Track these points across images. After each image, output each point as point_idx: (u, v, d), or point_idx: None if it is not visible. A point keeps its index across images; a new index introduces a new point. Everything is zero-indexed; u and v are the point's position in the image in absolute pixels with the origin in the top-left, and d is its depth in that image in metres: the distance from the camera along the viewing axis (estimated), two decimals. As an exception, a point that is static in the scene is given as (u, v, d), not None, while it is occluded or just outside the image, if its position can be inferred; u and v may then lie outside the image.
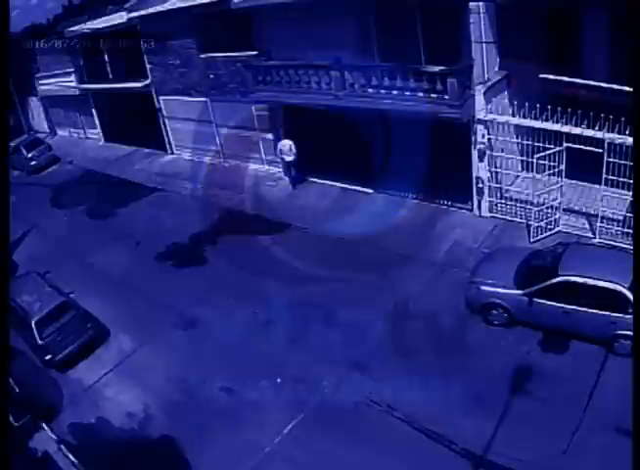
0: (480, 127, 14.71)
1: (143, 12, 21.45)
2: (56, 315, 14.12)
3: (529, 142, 14.19)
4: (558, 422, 10.14)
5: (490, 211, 15.79)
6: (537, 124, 13.77)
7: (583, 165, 13.65)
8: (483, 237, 15.17)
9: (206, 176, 22.09)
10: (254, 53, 18.41)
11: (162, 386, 12.98)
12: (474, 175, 15.47)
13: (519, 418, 10.40)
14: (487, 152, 14.96)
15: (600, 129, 12.81)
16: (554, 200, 14.27)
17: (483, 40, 14.18)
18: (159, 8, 20.91)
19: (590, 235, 14.11)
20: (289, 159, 19.15)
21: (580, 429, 9.97)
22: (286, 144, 19.05)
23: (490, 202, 15.67)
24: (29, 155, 27.79)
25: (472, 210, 16.13)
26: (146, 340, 14.44)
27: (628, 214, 13.20)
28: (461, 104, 13.95)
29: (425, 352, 12.06)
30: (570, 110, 13.16)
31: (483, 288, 12.43)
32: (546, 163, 13.84)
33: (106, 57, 26.00)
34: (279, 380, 12.33)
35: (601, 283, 10.95)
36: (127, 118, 27.01)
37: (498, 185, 15.49)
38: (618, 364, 10.80)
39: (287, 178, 20.34)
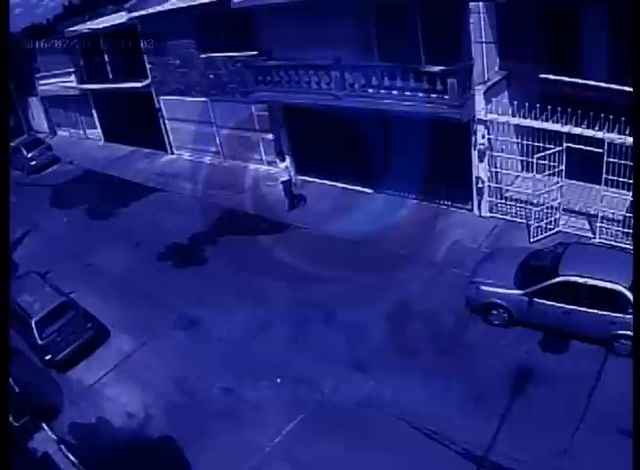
0: (480, 127, 14.71)
1: (143, 12, 21.47)
2: (56, 315, 14.11)
3: (529, 142, 14.18)
4: (558, 422, 10.13)
5: (490, 211, 15.79)
6: (537, 124, 13.76)
7: (583, 165, 13.66)
8: (483, 237, 15.17)
9: (206, 176, 22.09)
10: (254, 53, 18.43)
11: (162, 386, 12.97)
12: (474, 175, 15.47)
13: (519, 418, 10.40)
14: (487, 152, 14.96)
15: (600, 129, 12.81)
16: (554, 200, 14.27)
17: (483, 40, 14.20)
18: (158, 8, 20.97)
19: (590, 235, 14.11)
20: (283, 179, 18.49)
21: (580, 429, 9.96)
22: (282, 165, 18.59)
23: (490, 202, 15.67)
24: (29, 155, 27.79)
25: (472, 210, 16.13)
26: (146, 340, 14.44)
27: (628, 214, 13.19)
28: (461, 104, 13.95)
29: (425, 352, 12.06)
30: (570, 110, 13.16)
31: (483, 288, 12.43)
32: (546, 163, 13.84)
33: (106, 57, 26.01)
34: (279, 380, 12.32)
35: (601, 283, 10.94)
36: (127, 119, 27.00)
37: (498, 185, 15.49)
38: (618, 364, 10.79)
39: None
